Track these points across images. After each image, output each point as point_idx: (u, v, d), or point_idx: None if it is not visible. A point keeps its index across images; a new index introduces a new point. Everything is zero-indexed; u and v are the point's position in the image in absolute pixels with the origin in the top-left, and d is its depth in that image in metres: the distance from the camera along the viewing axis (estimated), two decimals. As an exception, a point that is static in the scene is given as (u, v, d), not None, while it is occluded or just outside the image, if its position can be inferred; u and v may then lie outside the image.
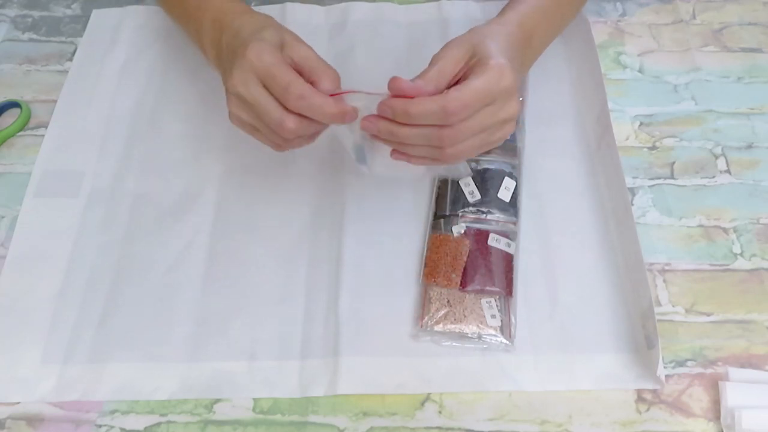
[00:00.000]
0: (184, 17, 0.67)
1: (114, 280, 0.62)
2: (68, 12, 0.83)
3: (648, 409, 0.55)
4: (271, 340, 0.59)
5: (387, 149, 0.53)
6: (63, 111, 0.73)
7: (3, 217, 0.67)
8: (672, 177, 0.68)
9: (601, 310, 0.60)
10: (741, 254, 0.63)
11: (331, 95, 0.51)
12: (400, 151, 0.53)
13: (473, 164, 0.64)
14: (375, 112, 0.51)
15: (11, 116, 0.73)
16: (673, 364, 0.57)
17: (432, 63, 0.52)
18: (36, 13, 0.83)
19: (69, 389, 0.57)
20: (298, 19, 0.79)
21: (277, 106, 0.51)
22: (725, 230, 0.65)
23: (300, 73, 0.52)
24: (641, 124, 0.72)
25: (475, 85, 0.49)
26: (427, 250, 0.62)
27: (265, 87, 0.51)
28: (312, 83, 0.52)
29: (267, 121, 0.52)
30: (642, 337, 0.58)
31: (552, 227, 0.64)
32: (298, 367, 0.58)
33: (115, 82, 0.75)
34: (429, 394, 0.56)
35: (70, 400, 0.56)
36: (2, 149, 0.72)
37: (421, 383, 0.57)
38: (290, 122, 0.51)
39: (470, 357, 0.58)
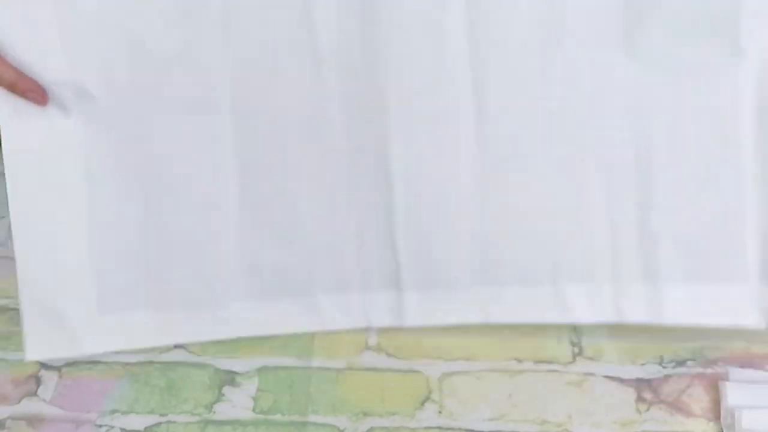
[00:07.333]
0: None
1: (143, 221, 0.56)
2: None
3: (648, 409, 0.55)
4: (324, 275, 0.56)
5: None
6: None
7: (3, 217, 0.67)
8: (672, 177, 0.68)
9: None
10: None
11: None
12: None
13: None
14: None
15: (11, 116, 0.73)
16: (673, 364, 0.58)
17: None
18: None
19: (124, 338, 0.55)
20: None
21: None
22: (725, 230, 0.65)
23: None
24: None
25: None
26: None
27: None
28: None
29: None
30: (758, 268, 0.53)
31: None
32: (359, 300, 0.56)
33: None
34: (429, 393, 0.56)
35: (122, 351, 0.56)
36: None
37: (485, 315, 0.56)
38: None
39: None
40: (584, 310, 0.55)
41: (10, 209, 0.55)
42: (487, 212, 0.56)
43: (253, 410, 0.56)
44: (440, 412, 0.56)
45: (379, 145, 0.55)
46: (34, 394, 0.58)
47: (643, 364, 0.58)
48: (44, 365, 0.59)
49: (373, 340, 0.60)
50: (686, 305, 0.54)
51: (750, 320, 0.54)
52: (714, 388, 0.56)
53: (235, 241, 0.56)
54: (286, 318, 0.56)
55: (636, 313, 0.55)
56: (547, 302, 0.55)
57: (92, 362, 0.60)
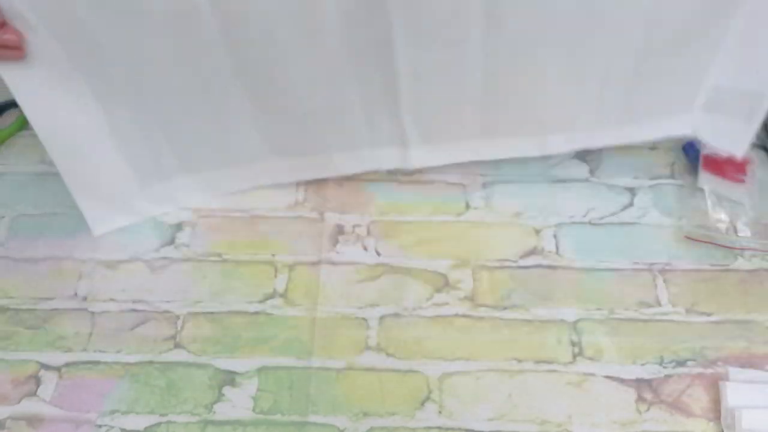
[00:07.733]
0: None
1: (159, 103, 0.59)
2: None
3: (648, 409, 0.55)
4: (336, 139, 0.64)
5: None
6: None
7: (3, 217, 0.67)
8: (672, 177, 0.68)
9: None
10: (741, 254, 0.63)
11: None
12: None
13: None
14: None
15: (11, 116, 0.73)
16: (673, 364, 0.58)
17: None
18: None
19: (171, 200, 0.65)
20: None
21: None
22: (726, 230, 0.65)
23: None
24: (641, 124, 0.72)
25: None
26: None
27: None
28: None
29: None
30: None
31: None
32: (370, 153, 0.66)
33: None
34: (429, 393, 0.56)
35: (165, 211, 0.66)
36: (2, 149, 0.72)
37: (477, 155, 0.67)
38: None
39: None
40: (559, 145, 0.66)
41: (30, 120, 0.56)
42: (488, 85, 0.61)
43: (253, 410, 0.56)
44: (440, 412, 0.56)
45: (380, 23, 0.55)
46: (34, 394, 0.58)
47: (643, 364, 0.58)
48: (44, 365, 0.59)
49: (373, 340, 0.60)
50: (647, 131, 0.65)
51: (687, 131, 0.65)
52: (714, 388, 0.56)
53: (245, 116, 0.61)
54: (303, 168, 0.66)
55: (604, 141, 0.66)
56: (529, 144, 0.66)
57: (92, 362, 0.60)
